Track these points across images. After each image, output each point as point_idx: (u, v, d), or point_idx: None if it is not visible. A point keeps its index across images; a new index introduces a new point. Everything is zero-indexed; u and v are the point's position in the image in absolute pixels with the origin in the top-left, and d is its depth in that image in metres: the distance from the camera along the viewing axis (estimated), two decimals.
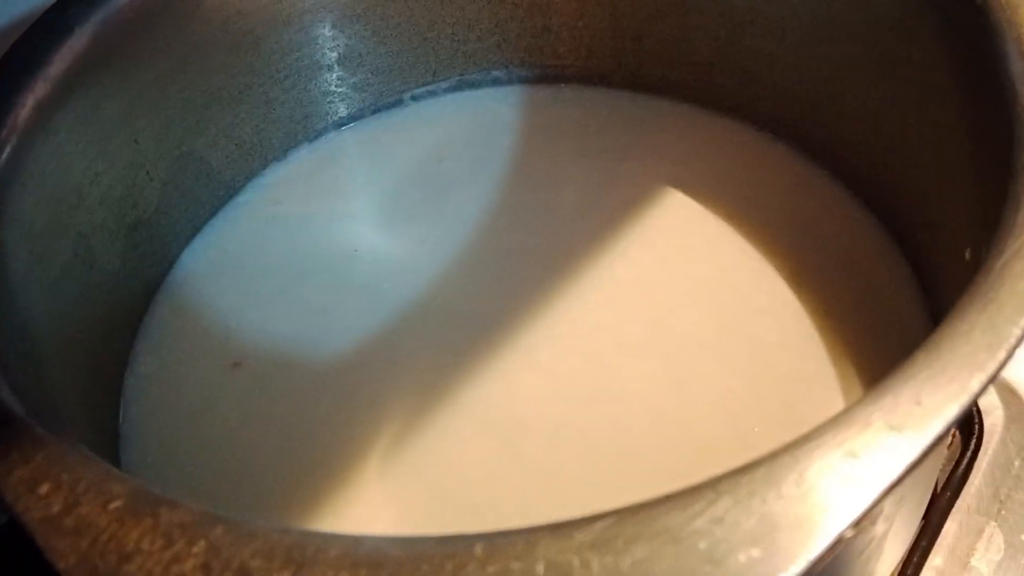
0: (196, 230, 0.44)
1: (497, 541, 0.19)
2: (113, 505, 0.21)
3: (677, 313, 0.39)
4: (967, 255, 0.31)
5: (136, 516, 0.21)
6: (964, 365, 0.21)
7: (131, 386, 0.39)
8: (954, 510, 0.41)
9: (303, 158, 0.48)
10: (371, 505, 0.34)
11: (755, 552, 0.18)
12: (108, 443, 0.36)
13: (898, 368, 0.21)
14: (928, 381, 0.20)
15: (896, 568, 0.38)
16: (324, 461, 0.35)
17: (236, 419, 0.37)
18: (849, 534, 0.18)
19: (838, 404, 0.36)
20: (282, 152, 0.48)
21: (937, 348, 0.21)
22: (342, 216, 0.45)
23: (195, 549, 0.20)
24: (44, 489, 0.21)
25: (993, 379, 0.20)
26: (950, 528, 0.41)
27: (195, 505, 0.21)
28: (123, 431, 0.38)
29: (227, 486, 0.35)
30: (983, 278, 0.22)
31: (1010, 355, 0.20)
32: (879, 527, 0.29)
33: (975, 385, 0.20)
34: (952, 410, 0.20)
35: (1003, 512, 0.42)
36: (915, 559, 0.39)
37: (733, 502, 0.19)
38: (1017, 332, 0.21)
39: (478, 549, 0.19)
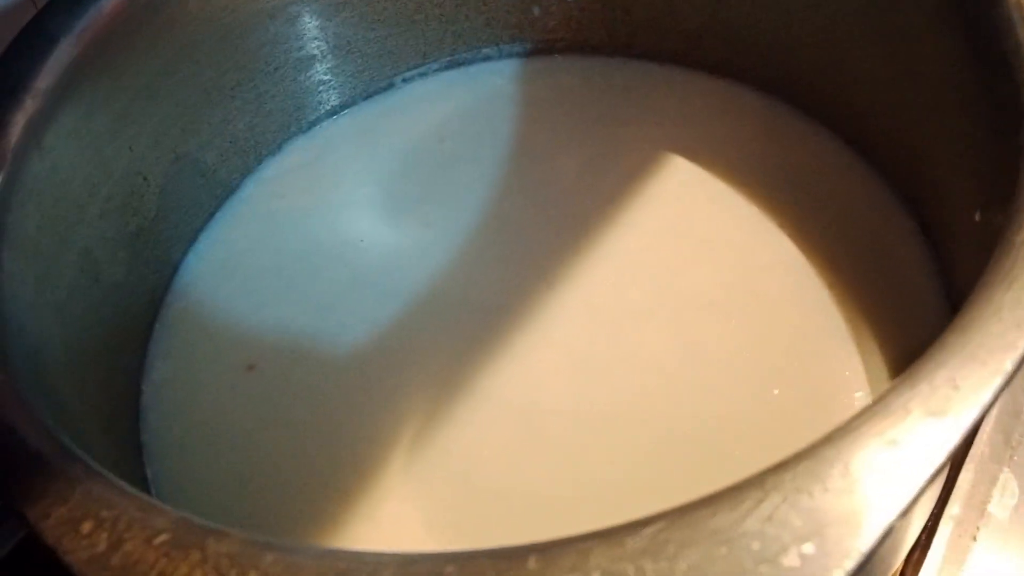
0: (196, 232, 0.44)
1: (549, 553, 0.19)
2: (159, 539, 0.21)
3: (685, 277, 0.39)
4: (977, 217, 0.31)
5: (183, 549, 0.21)
6: (996, 346, 0.21)
7: (147, 394, 0.39)
8: (968, 459, 0.42)
9: (299, 150, 0.47)
10: (400, 501, 0.34)
11: (808, 549, 0.18)
12: (131, 456, 0.36)
13: (929, 352, 0.21)
14: (962, 364, 0.21)
15: None
16: (349, 460, 0.35)
17: (255, 423, 0.37)
18: (899, 524, 0.19)
19: (851, 353, 0.36)
20: (276, 146, 0.47)
21: (966, 329, 0.21)
22: (346, 205, 0.44)
23: None
24: (86, 528, 0.21)
25: None
26: (965, 477, 0.41)
27: (241, 533, 0.21)
28: (144, 441, 0.38)
29: (253, 491, 0.35)
30: (1004, 254, 0.22)
31: None
32: None
33: (1009, 366, 0.20)
34: (989, 392, 0.20)
35: (1015, 457, 0.42)
36: (934, 511, 0.40)
37: (781, 499, 0.19)
38: None
39: (532, 562, 0.19)
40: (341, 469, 0.35)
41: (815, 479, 0.19)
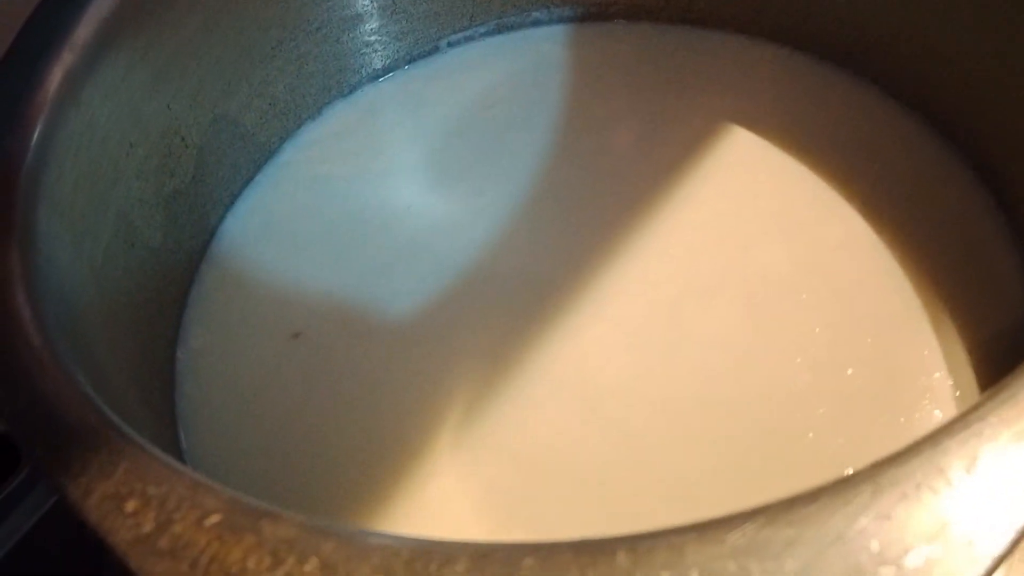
0: (234, 196, 0.42)
1: (640, 547, 0.17)
2: (210, 521, 0.19)
3: (750, 252, 0.37)
4: None
5: (237, 532, 0.19)
6: None
7: (184, 361, 0.37)
8: None
9: (340, 114, 0.45)
10: (447, 479, 0.33)
11: (933, 551, 0.16)
12: (167, 427, 0.35)
13: None
14: None
15: None
16: (395, 435, 0.34)
17: (296, 394, 0.35)
18: None
19: (929, 337, 0.34)
20: (316, 109, 0.45)
21: None
22: (391, 172, 0.42)
23: (307, 568, 0.18)
24: (131, 506, 0.20)
25: None
26: None
27: (298, 516, 0.19)
28: (180, 410, 0.36)
29: (296, 465, 0.34)
30: None
31: None
32: None
33: None
34: None
35: None
36: None
37: (900, 495, 0.17)
38: None
39: (621, 558, 0.17)
40: (386, 444, 0.34)
41: (936, 473, 0.17)
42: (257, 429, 0.35)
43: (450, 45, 0.47)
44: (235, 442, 0.35)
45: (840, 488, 0.18)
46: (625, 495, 0.32)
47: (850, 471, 0.30)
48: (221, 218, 0.41)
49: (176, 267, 0.39)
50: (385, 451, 0.33)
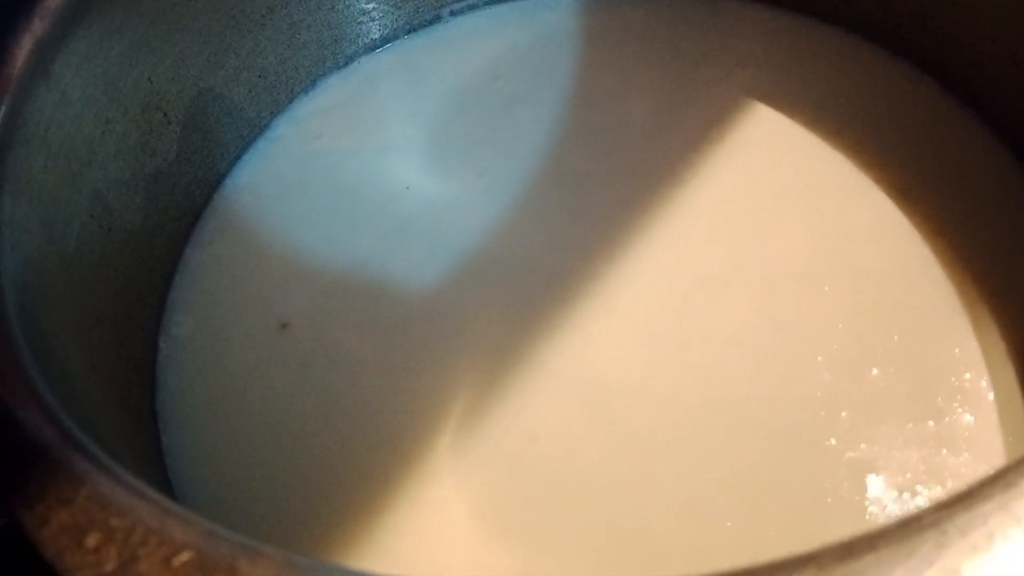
0: (221, 175, 0.40)
1: None
2: (180, 559, 0.17)
3: (770, 240, 0.35)
4: None
5: (209, 573, 0.17)
6: None
7: (165, 351, 0.35)
8: None
9: (335, 87, 0.43)
10: (445, 486, 0.31)
11: None
12: (145, 425, 0.33)
13: None
14: None
15: None
16: (389, 437, 0.32)
17: (286, 389, 0.33)
18: None
19: (963, 334, 0.32)
20: (310, 82, 0.43)
21: None
22: (388, 149, 0.40)
23: None
24: (93, 541, 0.18)
25: None
26: None
27: (279, 553, 0.17)
28: (160, 406, 0.34)
29: (283, 468, 0.32)
30: None
31: None
32: None
33: None
34: None
35: None
36: None
37: (970, 547, 0.15)
38: None
39: None
40: (380, 447, 0.32)
41: (1013, 521, 0.15)
42: (239, 427, 0.33)
43: (453, 14, 0.45)
44: (218, 441, 0.32)
45: (901, 535, 0.15)
46: (630, 503, 0.30)
47: (872, 478, 0.29)
48: (207, 199, 0.39)
49: (158, 251, 0.36)
50: (377, 454, 0.31)
